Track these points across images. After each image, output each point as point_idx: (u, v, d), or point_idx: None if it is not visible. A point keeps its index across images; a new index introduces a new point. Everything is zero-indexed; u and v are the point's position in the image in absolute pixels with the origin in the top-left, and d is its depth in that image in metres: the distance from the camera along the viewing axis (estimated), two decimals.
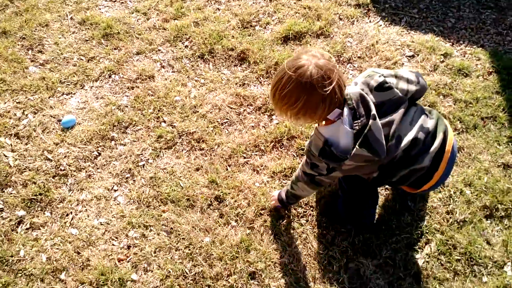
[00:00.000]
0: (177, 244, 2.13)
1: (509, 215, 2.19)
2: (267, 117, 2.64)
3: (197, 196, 2.28)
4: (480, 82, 2.74)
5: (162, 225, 2.19)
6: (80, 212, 2.26)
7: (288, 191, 2.06)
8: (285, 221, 2.20)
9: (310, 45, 2.99)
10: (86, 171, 2.41)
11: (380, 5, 3.30)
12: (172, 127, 2.59)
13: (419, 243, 2.12)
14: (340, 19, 3.20)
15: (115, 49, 3.03)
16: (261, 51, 2.95)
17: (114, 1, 3.41)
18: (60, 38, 3.09)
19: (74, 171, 2.40)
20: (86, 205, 2.28)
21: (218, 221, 2.21)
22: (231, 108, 2.69)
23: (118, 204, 2.28)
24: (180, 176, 2.37)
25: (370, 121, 1.56)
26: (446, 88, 2.71)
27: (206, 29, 3.10)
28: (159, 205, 2.27)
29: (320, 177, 1.81)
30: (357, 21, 3.18)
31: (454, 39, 3.05)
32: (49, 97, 2.74)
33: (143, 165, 2.43)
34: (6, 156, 2.45)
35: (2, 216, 2.23)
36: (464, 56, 2.93)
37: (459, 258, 2.07)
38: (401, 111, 1.67)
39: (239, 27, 3.14)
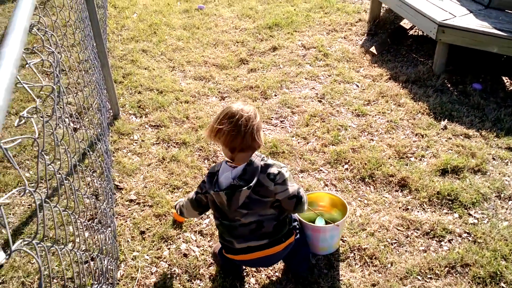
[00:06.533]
0: None
1: None
2: (435, 242, 2.69)
3: None
4: None
5: None
6: None
7: None
8: None
9: (468, 180, 3.11)
10: None
11: None
12: (343, 241, 2.71)
13: None
14: (494, 159, 3.33)
15: None
16: (421, 180, 3.11)
17: (275, 126, 3.83)
18: None
19: None
20: None
21: None
22: (398, 230, 2.78)
23: None
24: None
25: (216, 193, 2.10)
26: None
27: (363, 156, 3.36)
28: None
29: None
30: (510, 162, 3.30)
31: None
32: None
33: (319, 274, 2.52)
34: (193, 250, 2.66)
35: None
36: None
37: None
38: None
39: (395, 157, 3.37)
